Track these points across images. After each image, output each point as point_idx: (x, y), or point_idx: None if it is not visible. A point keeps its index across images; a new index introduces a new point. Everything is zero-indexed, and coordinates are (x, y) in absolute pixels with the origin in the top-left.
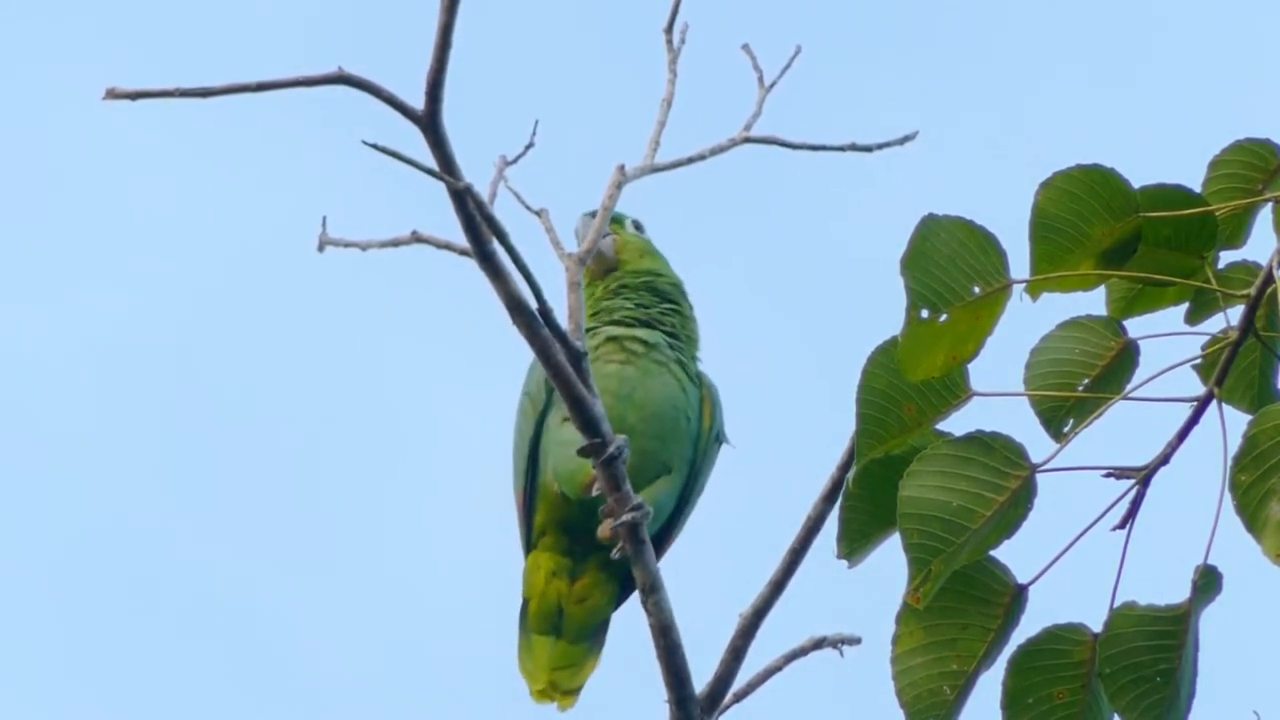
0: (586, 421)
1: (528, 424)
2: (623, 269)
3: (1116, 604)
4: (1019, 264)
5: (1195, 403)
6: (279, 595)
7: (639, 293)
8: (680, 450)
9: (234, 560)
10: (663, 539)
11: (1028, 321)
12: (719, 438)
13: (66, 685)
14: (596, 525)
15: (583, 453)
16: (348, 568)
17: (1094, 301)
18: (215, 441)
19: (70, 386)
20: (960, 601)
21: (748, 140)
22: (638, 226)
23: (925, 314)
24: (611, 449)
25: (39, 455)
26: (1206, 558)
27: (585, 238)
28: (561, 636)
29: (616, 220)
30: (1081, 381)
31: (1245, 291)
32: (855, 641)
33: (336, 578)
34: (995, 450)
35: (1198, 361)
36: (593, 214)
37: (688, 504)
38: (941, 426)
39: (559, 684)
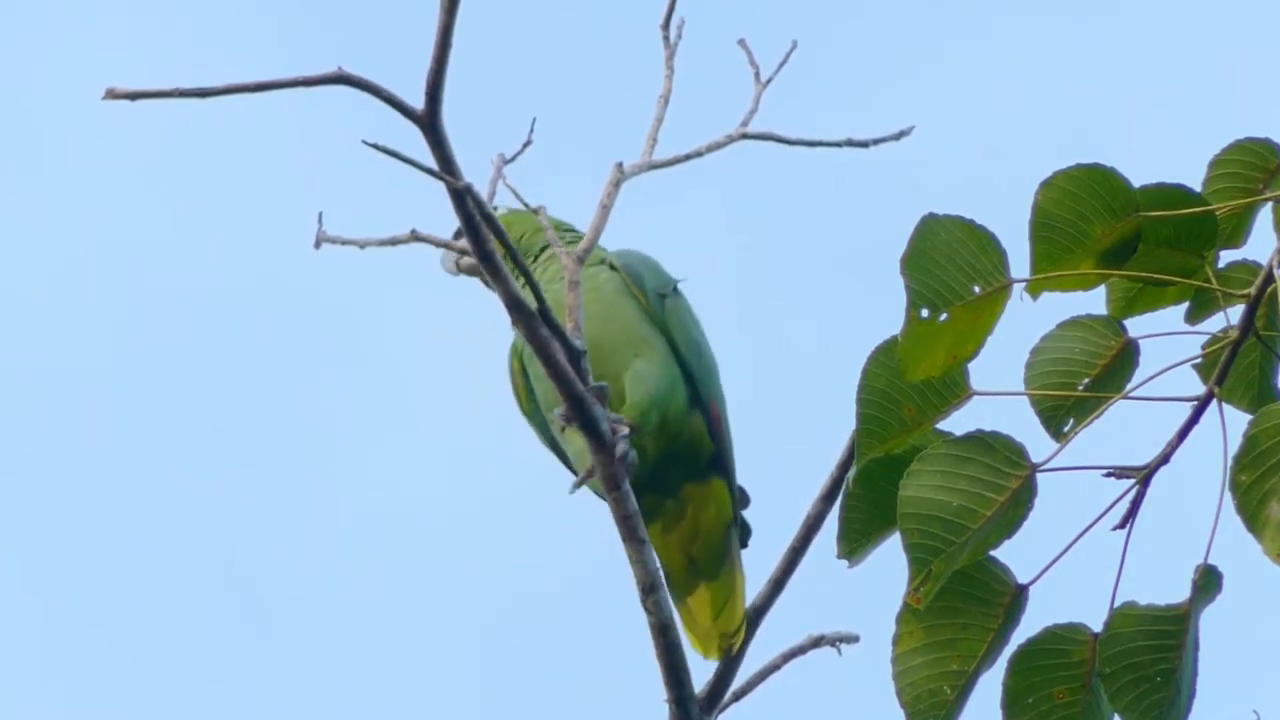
0: (585, 421)
1: (555, 452)
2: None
3: (1116, 604)
4: (1019, 263)
5: (1195, 402)
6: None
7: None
8: (632, 337)
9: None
10: (712, 427)
11: (1028, 321)
12: (663, 295)
13: (35, 604)
14: (651, 471)
15: (589, 473)
16: (344, 559)
17: (1094, 301)
18: (219, 426)
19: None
20: (960, 601)
21: (745, 136)
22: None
23: (925, 313)
24: (618, 452)
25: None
26: (1206, 557)
27: (454, 258)
28: (704, 578)
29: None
30: (1082, 381)
31: (1245, 291)
32: (853, 640)
33: (330, 569)
34: (995, 450)
35: (1198, 361)
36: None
37: (696, 373)
38: (942, 426)
39: (725, 630)
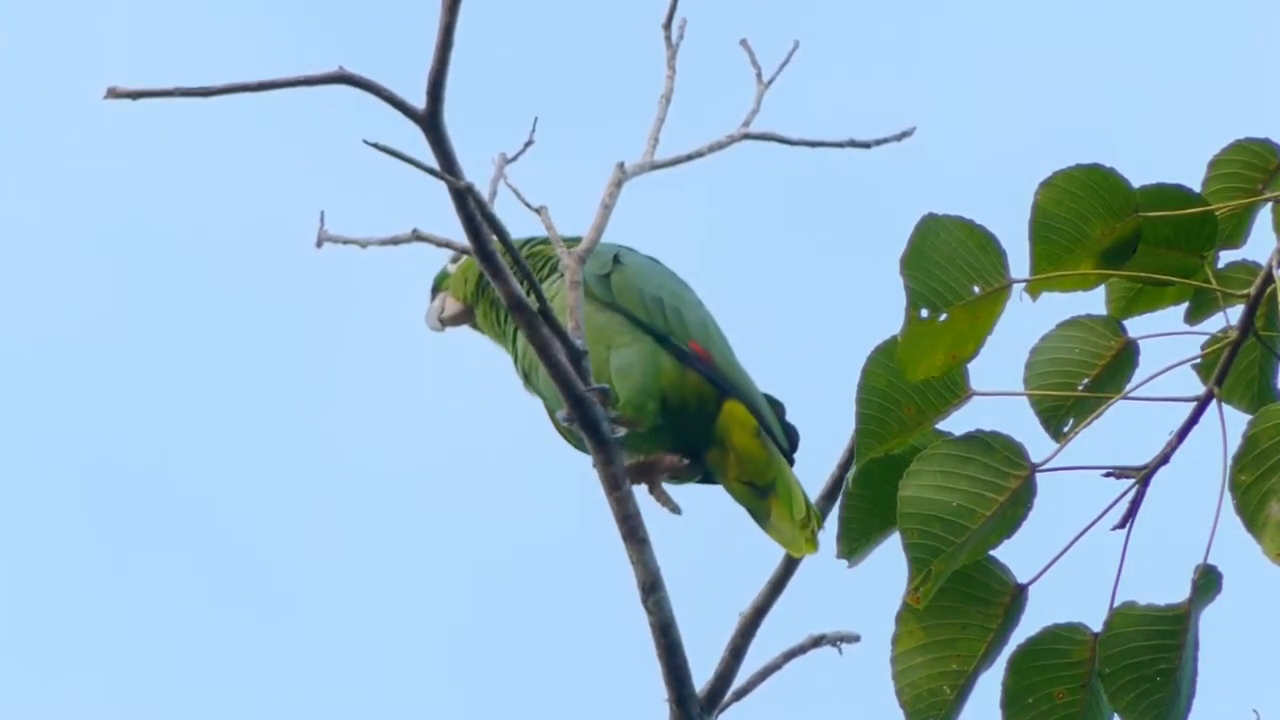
0: (586, 420)
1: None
2: (475, 304)
3: (1116, 604)
4: (1019, 263)
5: (1195, 402)
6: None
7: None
8: (596, 331)
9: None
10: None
11: (1027, 321)
12: (605, 275)
13: (27, 562)
14: (683, 445)
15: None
16: (340, 531)
17: (1094, 301)
18: (212, 393)
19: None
20: (960, 601)
21: (746, 137)
22: (454, 258)
23: (925, 313)
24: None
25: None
26: (1206, 557)
27: (435, 313)
28: (770, 494)
29: (443, 276)
30: (1081, 381)
31: (1245, 291)
32: (854, 639)
33: (325, 538)
34: (995, 450)
35: (1197, 361)
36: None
37: (667, 327)
38: (941, 426)
39: (806, 524)
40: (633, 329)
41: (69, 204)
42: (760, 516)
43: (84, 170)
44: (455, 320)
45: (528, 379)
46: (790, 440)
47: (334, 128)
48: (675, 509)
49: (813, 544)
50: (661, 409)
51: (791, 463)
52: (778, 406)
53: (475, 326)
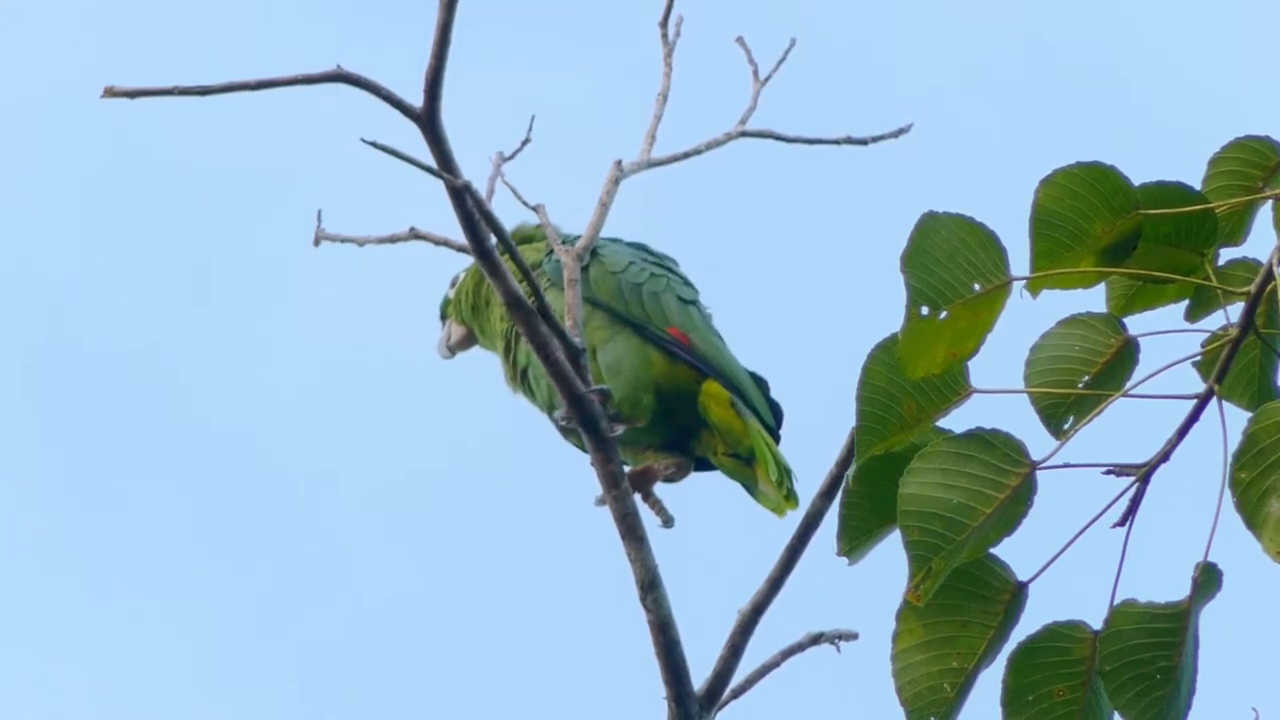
0: (585, 419)
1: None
2: (478, 324)
3: (1117, 601)
4: (1019, 261)
5: (1195, 400)
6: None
7: (494, 313)
8: (584, 329)
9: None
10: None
11: (1028, 319)
12: (584, 269)
13: None
14: (681, 433)
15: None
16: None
17: (1094, 298)
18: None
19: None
20: (960, 599)
21: (743, 134)
22: (453, 283)
23: (925, 311)
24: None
25: None
26: (1207, 555)
27: (443, 342)
28: (754, 460)
29: (446, 303)
30: (1082, 379)
31: (1245, 289)
32: (852, 637)
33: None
34: (995, 447)
35: (1198, 359)
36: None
37: (646, 315)
38: (942, 424)
39: (782, 483)
40: (612, 323)
41: (67, 200)
42: (750, 486)
43: (81, 169)
44: (462, 345)
45: (521, 378)
46: (775, 416)
47: (332, 126)
48: (668, 521)
49: (792, 500)
50: (658, 402)
51: (777, 439)
52: (761, 384)
53: (484, 347)
